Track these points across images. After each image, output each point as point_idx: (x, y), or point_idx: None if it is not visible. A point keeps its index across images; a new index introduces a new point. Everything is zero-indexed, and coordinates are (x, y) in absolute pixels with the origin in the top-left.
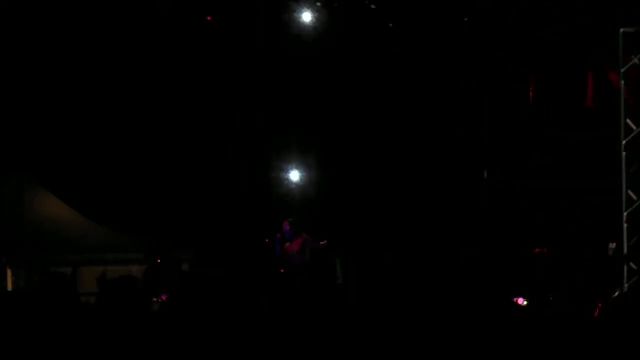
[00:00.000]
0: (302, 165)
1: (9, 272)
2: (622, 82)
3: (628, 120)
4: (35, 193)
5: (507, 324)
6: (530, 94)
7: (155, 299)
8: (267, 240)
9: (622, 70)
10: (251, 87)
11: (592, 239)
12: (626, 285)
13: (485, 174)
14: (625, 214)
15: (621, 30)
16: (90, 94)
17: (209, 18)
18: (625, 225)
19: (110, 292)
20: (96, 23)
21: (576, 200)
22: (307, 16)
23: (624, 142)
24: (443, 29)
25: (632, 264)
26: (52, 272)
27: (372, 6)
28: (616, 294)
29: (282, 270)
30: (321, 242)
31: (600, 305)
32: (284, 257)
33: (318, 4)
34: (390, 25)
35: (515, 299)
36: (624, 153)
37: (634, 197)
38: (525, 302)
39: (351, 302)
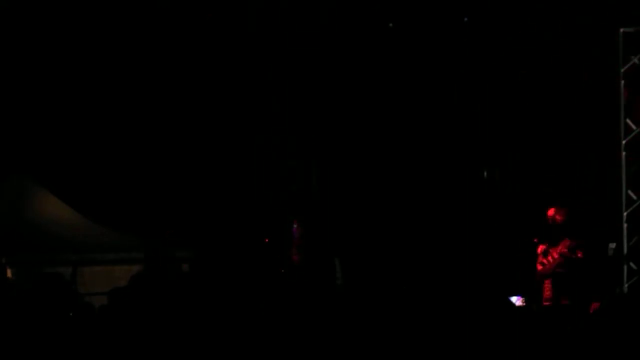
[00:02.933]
0: (303, 165)
1: (9, 272)
2: (622, 82)
3: (628, 120)
4: (35, 193)
5: (506, 324)
6: (529, 93)
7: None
8: (267, 240)
9: (622, 70)
10: (252, 86)
11: (592, 238)
12: (626, 285)
13: (485, 174)
14: (625, 214)
15: (621, 30)
16: (90, 93)
17: (210, 15)
18: (625, 225)
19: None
20: (96, 22)
21: (575, 200)
22: (307, 15)
23: (624, 142)
24: (443, 29)
25: (632, 264)
26: (47, 272)
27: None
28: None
29: (282, 270)
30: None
31: (594, 304)
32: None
33: (318, 3)
34: (390, 25)
35: (514, 299)
36: (623, 153)
37: (634, 197)
38: (523, 302)
39: (351, 302)
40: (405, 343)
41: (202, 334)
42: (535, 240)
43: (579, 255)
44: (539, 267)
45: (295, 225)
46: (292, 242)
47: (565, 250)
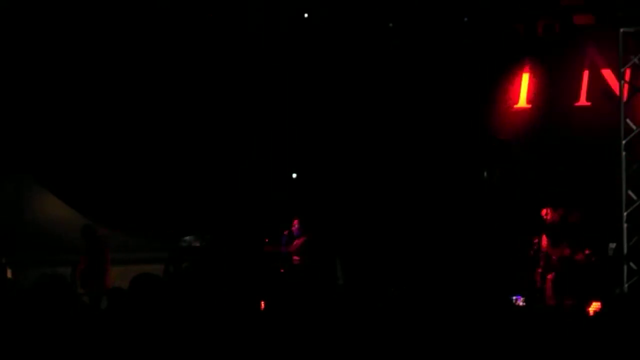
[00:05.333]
0: (302, 165)
1: (9, 272)
2: (622, 82)
3: (628, 120)
4: (35, 193)
5: (506, 324)
6: (528, 93)
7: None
8: (267, 240)
9: (622, 70)
10: (253, 85)
11: (592, 238)
12: (626, 285)
13: (485, 174)
14: (625, 214)
15: (621, 30)
16: (91, 94)
17: (210, 15)
18: (625, 225)
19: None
20: (96, 23)
21: (575, 200)
22: (308, 15)
23: (624, 142)
24: (443, 29)
25: (632, 264)
26: (47, 272)
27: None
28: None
29: (282, 270)
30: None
31: (593, 303)
32: (287, 256)
33: (319, 3)
34: (390, 25)
35: (514, 299)
36: (623, 153)
37: (634, 197)
38: (523, 302)
39: (351, 302)
40: (406, 343)
41: (201, 333)
42: (535, 241)
43: (578, 257)
44: (539, 269)
45: (297, 224)
46: (292, 242)
47: (565, 254)
